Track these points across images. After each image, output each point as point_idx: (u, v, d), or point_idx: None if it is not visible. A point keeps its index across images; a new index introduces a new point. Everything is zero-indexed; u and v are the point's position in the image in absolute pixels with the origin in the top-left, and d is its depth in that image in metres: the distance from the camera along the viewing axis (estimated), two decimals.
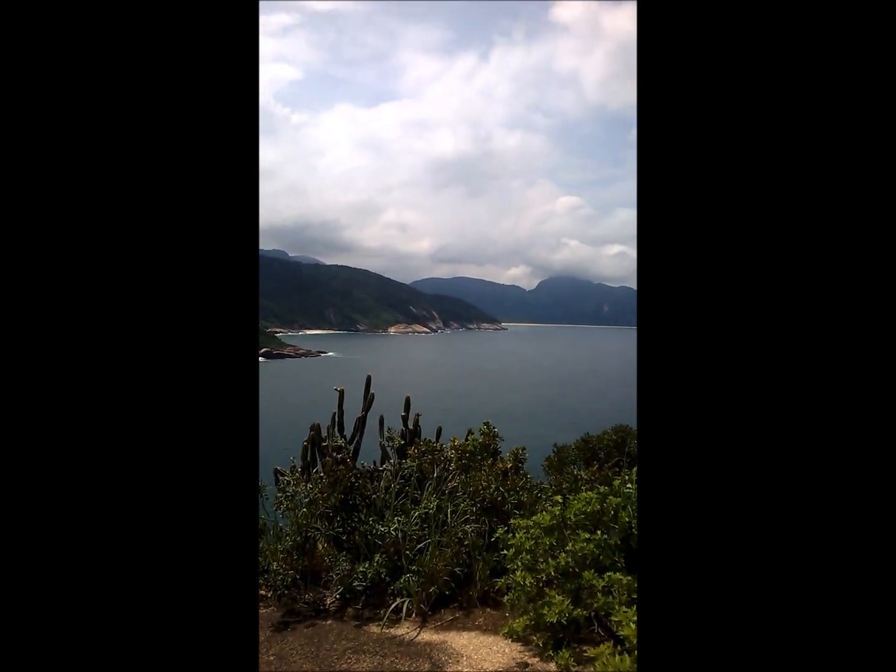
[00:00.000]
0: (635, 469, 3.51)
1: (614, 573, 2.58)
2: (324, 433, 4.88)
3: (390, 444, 4.78)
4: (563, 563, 2.73)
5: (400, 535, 3.53)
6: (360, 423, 5.07)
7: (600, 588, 2.56)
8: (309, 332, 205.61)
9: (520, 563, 2.86)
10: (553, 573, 2.75)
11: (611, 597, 2.53)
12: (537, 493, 3.89)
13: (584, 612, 2.59)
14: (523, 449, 4.27)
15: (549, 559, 2.80)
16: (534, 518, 3.02)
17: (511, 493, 3.76)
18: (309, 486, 3.93)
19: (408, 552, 3.48)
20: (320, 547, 3.73)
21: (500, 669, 2.63)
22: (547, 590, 2.72)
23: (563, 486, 3.83)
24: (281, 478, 4.10)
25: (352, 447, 4.83)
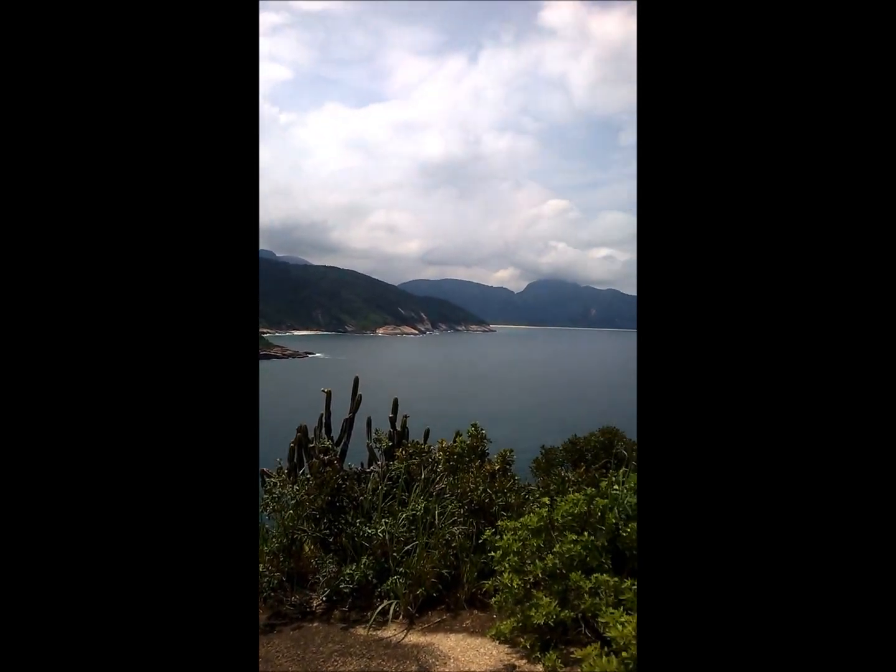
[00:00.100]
0: (622, 470, 3.53)
1: (601, 574, 2.59)
2: (311, 435, 4.85)
3: (378, 445, 4.77)
4: (551, 565, 2.73)
5: (387, 537, 3.51)
6: (348, 425, 5.04)
7: (587, 589, 2.57)
8: (297, 332, 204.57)
9: (507, 565, 2.86)
10: (540, 575, 2.75)
11: (598, 598, 2.53)
12: (525, 495, 3.89)
13: (572, 614, 2.59)
14: (511, 451, 4.27)
15: (537, 561, 2.80)
16: (521, 520, 3.03)
17: (499, 494, 3.76)
18: (295, 487, 3.90)
19: (395, 554, 3.46)
20: (307, 549, 3.71)
21: (488, 671, 2.62)
22: (534, 591, 2.72)
23: (551, 488, 3.84)
24: (267, 479, 4.07)
25: (339, 449, 4.81)
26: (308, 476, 4.09)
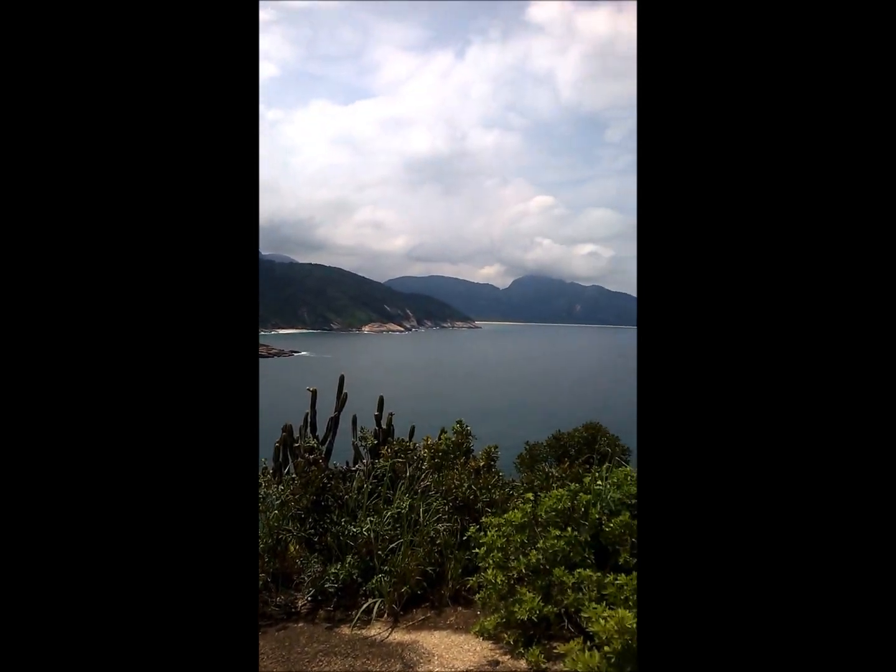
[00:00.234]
0: (606, 466, 3.56)
1: (584, 570, 2.61)
2: (296, 434, 4.83)
3: (363, 443, 4.76)
4: (534, 561, 2.75)
5: (372, 536, 3.51)
6: (333, 424, 5.03)
7: (570, 585, 2.59)
8: (282, 331, 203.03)
9: (491, 561, 2.87)
10: (524, 570, 2.77)
11: (581, 593, 2.56)
12: (509, 491, 3.91)
13: (555, 609, 2.61)
14: (496, 447, 4.29)
15: (521, 557, 2.82)
16: (505, 516, 3.04)
17: (483, 491, 3.77)
18: (280, 487, 3.88)
19: (380, 552, 3.46)
20: (292, 549, 3.70)
21: (471, 668, 2.64)
22: (518, 587, 2.74)
23: (535, 484, 3.86)
24: None
25: (324, 448, 4.79)
26: (293, 476, 4.07)
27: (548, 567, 2.72)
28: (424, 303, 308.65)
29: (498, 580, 2.77)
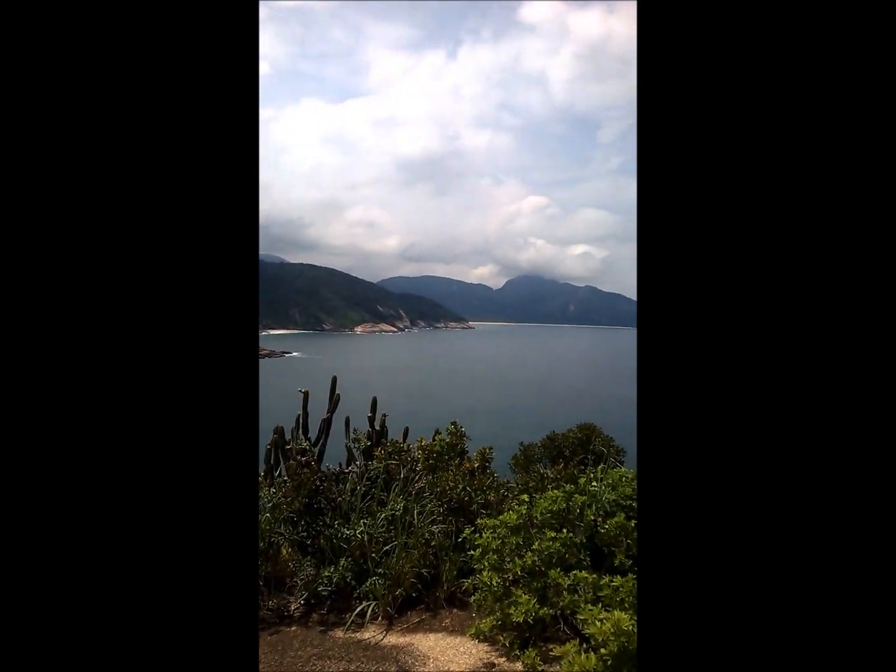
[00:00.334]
0: (600, 467, 3.56)
1: (580, 571, 2.60)
2: (287, 436, 4.79)
3: (356, 445, 4.73)
4: (530, 562, 2.73)
5: (366, 538, 3.48)
6: (326, 425, 4.99)
7: (566, 586, 2.58)
8: (273, 332, 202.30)
9: (487, 563, 2.85)
10: (519, 572, 2.75)
11: (576, 595, 2.55)
12: (504, 492, 3.90)
13: (550, 611, 2.60)
14: (490, 448, 4.27)
15: (516, 558, 2.80)
16: (500, 517, 3.03)
17: (478, 492, 3.76)
18: (272, 490, 3.85)
19: (374, 555, 3.44)
20: (284, 552, 3.66)
21: (467, 670, 2.62)
22: (513, 589, 2.72)
23: (530, 485, 3.85)
24: None
25: (316, 450, 4.76)
26: (285, 478, 4.04)
27: (543, 569, 2.71)
28: (417, 303, 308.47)
29: (493, 582, 2.75)
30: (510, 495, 3.82)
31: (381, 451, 4.35)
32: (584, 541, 2.83)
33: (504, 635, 2.67)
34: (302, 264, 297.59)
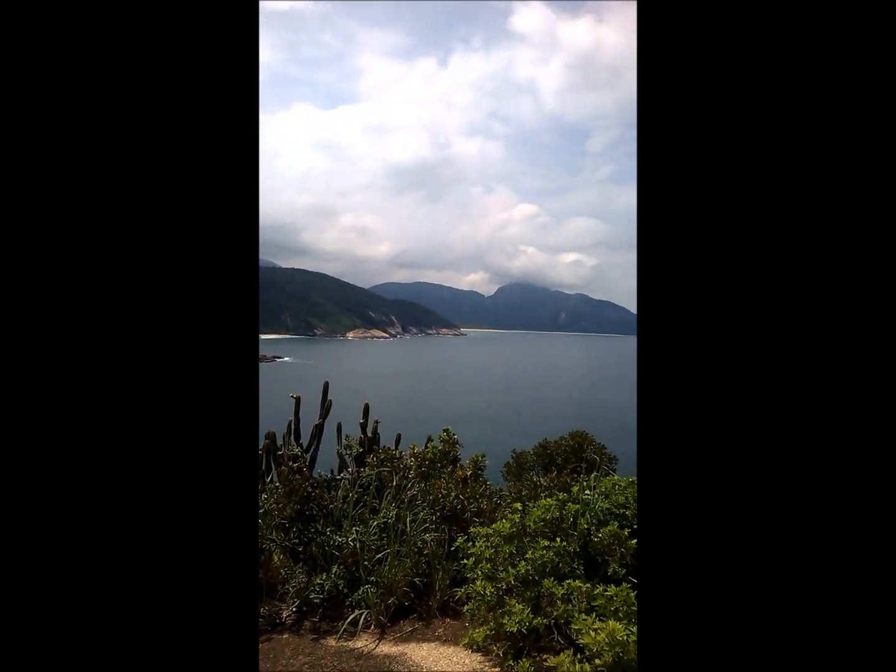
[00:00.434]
0: (593, 475, 3.55)
1: (573, 581, 2.59)
2: (279, 441, 4.76)
3: (348, 452, 4.71)
4: (523, 572, 2.72)
5: (358, 546, 3.46)
6: (318, 431, 4.97)
7: (560, 596, 2.57)
8: (265, 336, 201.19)
9: (480, 572, 2.84)
10: (513, 581, 2.74)
11: (570, 604, 2.53)
12: (497, 501, 3.89)
13: (544, 621, 2.59)
14: (483, 455, 4.26)
15: (509, 567, 2.79)
16: (493, 526, 3.01)
17: (471, 500, 3.74)
18: (263, 496, 3.82)
19: (366, 563, 3.41)
20: (275, 559, 3.62)
21: None
22: (507, 598, 2.71)
23: (523, 493, 3.84)
24: None
25: (308, 456, 4.73)
26: (276, 484, 4.01)
27: (537, 578, 2.70)
28: (409, 309, 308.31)
29: (487, 591, 2.73)
30: (503, 503, 3.81)
31: (373, 458, 4.33)
32: (578, 550, 2.82)
33: (497, 645, 2.66)
34: (293, 269, 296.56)
